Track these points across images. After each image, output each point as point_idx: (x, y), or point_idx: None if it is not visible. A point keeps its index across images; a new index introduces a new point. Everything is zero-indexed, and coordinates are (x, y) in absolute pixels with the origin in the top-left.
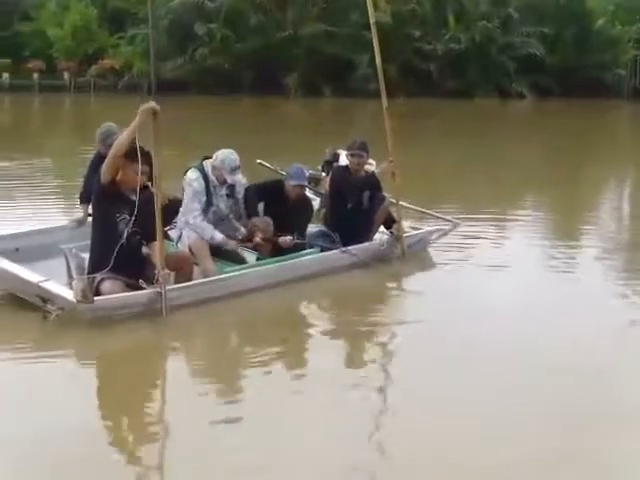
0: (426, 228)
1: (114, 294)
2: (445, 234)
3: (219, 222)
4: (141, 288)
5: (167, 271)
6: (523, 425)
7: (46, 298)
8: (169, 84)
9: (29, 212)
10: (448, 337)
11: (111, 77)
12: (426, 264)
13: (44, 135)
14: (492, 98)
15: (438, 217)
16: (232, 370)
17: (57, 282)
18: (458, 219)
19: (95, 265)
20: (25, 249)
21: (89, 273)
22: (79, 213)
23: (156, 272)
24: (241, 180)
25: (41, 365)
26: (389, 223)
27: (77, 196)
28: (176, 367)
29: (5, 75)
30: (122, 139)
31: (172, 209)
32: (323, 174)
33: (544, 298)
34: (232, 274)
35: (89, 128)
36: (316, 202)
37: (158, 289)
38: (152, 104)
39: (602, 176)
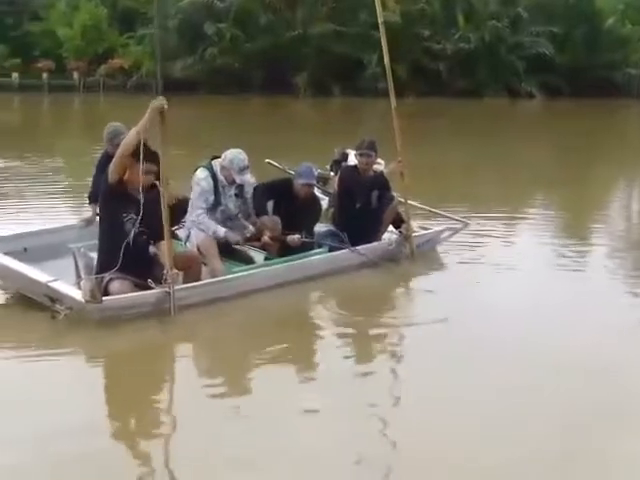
0: (435, 228)
1: (122, 294)
2: (454, 234)
3: (227, 221)
4: (150, 288)
5: (175, 271)
6: (526, 425)
7: (54, 298)
8: (179, 84)
9: (38, 211)
10: (456, 337)
11: (120, 77)
12: (435, 264)
13: (54, 135)
14: (501, 98)
15: (447, 217)
16: (239, 370)
17: (66, 282)
18: (467, 218)
19: (103, 265)
20: (34, 249)
21: (97, 273)
22: (88, 213)
23: (164, 272)
24: (250, 180)
25: (49, 364)
26: (398, 223)
27: (86, 196)
28: (183, 367)
29: (15, 75)
30: (130, 138)
31: (181, 209)
32: (332, 173)
33: (553, 297)
34: (240, 274)
35: (98, 128)
36: (324, 201)
37: (166, 289)
38: (161, 101)
39: (612, 175)
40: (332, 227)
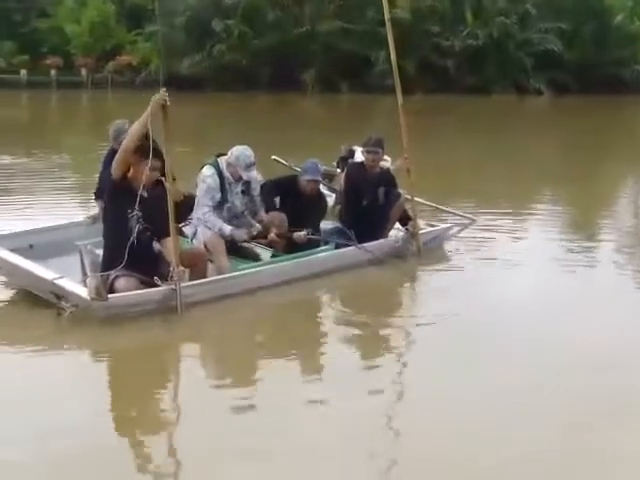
0: (442, 225)
1: (128, 291)
2: (461, 230)
3: (233, 219)
4: (156, 285)
5: (182, 268)
6: (526, 425)
7: (60, 295)
8: (186, 81)
9: (44, 208)
10: (461, 334)
11: (128, 73)
12: (442, 261)
13: (61, 131)
14: (509, 94)
15: (454, 213)
16: (246, 367)
17: (71, 279)
18: (474, 215)
19: (107, 262)
20: (40, 245)
21: (103, 270)
22: (94, 210)
23: (170, 269)
24: (256, 177)
25: (54, 361)
26: (405, 220)
27: (92, 192)
28: (189, 364)
29: (23, 72)
30: (132, 133)
31: (187, 206)
32: (338, 170)
33: (560, 294)
34: (247, 271)
35: (106, 124)
36: (331, 198)
37: (173, 286)
38: (163, 95)
39: (620, 172)
40: (339, 224)
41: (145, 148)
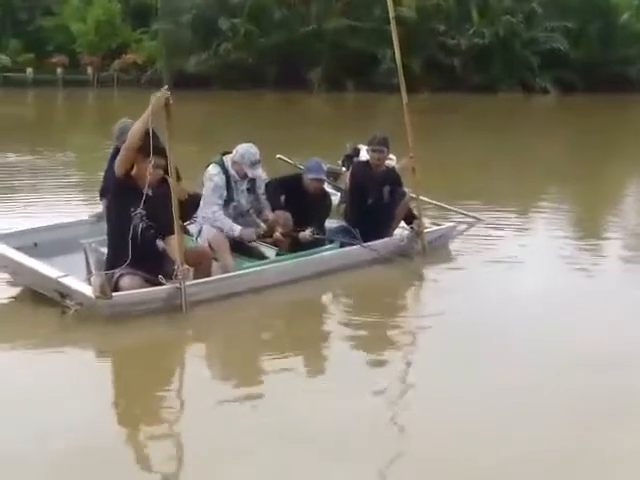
0: (447, 224)
1: (133, 290)
2: (467, 229)
3: (239, 217)
4: (160, 284)
5: (186, 266)
6: (526, 424)
7: (65, 293)
8: (192, 79)
9: (49, 206)
10: (464, 334)
11: (134, 72)
12: (447, 260)
13: (67, 130)
14: (516, 93)
15: (460, 212)
16: (251, 366)
17: (76, 277)
18: (480, 214)
19: (112, 260)
20: (44, 244)
21: (107, 268)
22: (99, 208)
23: (175, 267)
24: (261, 175)
25: (58, 360)
26: (410, 219)
27: (97, 190)
28: (194, 363)
29: (29, 70)
30: (135, 130)
31: (192, 204)
32: (343, 169)
33: (565, 294)
34: (251, 269)
35: (112, 123)
36: (336, 197)
37: (177, 285)
38: (164, 92)
39: (626, 171)
40: (344, 223)
41: (148, 146)
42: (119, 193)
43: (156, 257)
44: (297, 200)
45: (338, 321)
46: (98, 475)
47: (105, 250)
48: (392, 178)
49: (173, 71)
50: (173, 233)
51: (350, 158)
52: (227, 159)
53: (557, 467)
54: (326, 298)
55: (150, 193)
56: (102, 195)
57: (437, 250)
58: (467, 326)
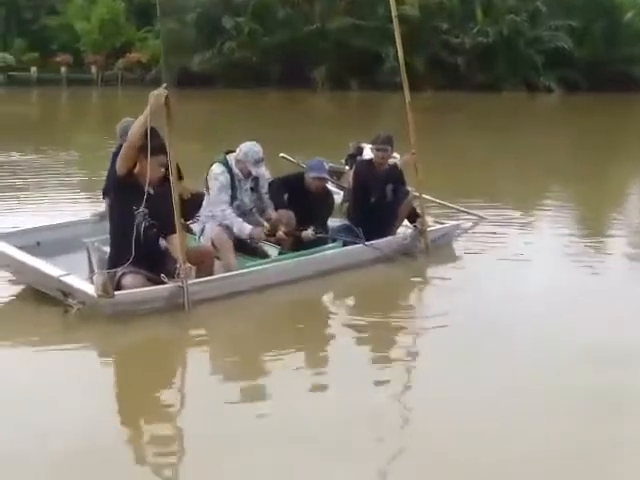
0: (451, 222)
1: (135, 288)
2: (470, 228)
3: (242, 216)
4: (163, 282)
5: (189, 265)
6: (527, 424)
7: (67, 292)
8: (196, 77)
9: (52, 205)
10: (466, 334)
11: (138, 71)
12: (450, 259)
13: (71, 129)
14: (520, 92)
15: (463, 211)
16: (253, 365)
17: (78, 276)
18: (483, 213)
19: (114, 259)
20: (47, 243)
21: (109, 267)
22: (102, 207)
23: (177, 266)
24: (265, 173)
25: (60, 359)
26: (413, 217)
27: (101, 189)
28: (196, 362)
29: (33, 69)
30: (135, 128)
31: (195, 203)
32: (347, 168)
33: (567, 293)
34: (254, 268)
35: (116, 122)
36: (339, 196)
37: (180, 283)
38: (162, 90)
39: (630, 171)
40: (347, 222)
41: (151, 144)
42: (121, 191)
43: (159, 256)
44: (299, 199)
45: (340, 320)
46: (98, 475)
47: (108, 249)
48: (395, 176)
49: (176, 69)
50: (176, 232)
51: (353, 157)
52: (231, 158)
53: (557, 467)
54: (329, 297)
55: (152, 191)
56: (105, 194)
57: (440, 249)
58: (470, 325)
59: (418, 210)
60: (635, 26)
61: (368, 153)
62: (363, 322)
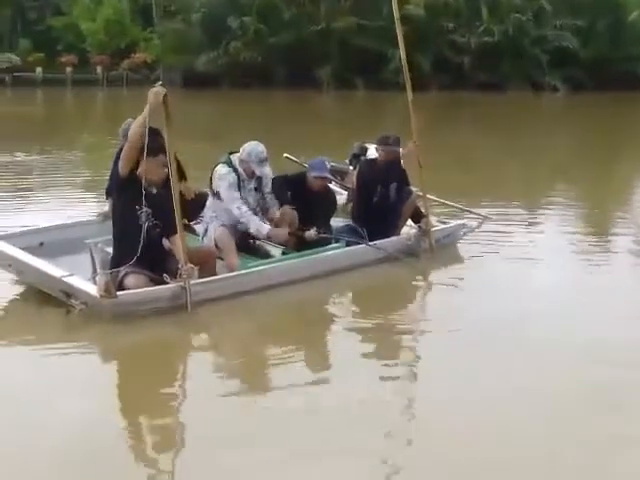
0: (455, 222)
1: (138, 289)
2: (474, 228)
3: None
4: (165, 283)
5: (191, 265)
6: (527, 424)
7: (70, 293)
8: (202, 77)
9: (56, 205)
10: (469, 334)
11: (143, 71)
12: (455, 259)
13: (76, 129)
14: (525, 91)
15: (467, 211)
16: (255, 366)
17: (81, 277)
18: (488, 213)
19: (117, 259)
20: (50, 243)
21: (112, 267)
22: (105, 207)
23: (179, 266)
24: (269, 173)
25: (62, 359)
26: (417, 217)
27: (104, 190)
28: (199, 363)
29: (38, 69)
30: (135, 128)
31: (198, 204)
32: (351, 168)
33: (570, 293)
34: (257, 268)
35: (120, 122)
36: (343, 196)
37: (182, 284)
38: (159, 89)
39: (635, 170)
40: (350, 222)
41: (150, 144)
42: (123, 191)
43: (162, 256)
44: (301, 198)
45: (343, 321)
46: (98, 475)
47: (110, 250)
48: (399, 176)
49: (180, 69)
50: (177, 232)
51: (358, 157)
52: (234, 158)
53: (558, 467)
54: (332, 297)
55: (155, 192)
56: (108, 194)
57: (445, 249)
58: (473, 325)
59: (422, 210)
60: (639, 25)
61: (372, 153)
62: (366, 322)
